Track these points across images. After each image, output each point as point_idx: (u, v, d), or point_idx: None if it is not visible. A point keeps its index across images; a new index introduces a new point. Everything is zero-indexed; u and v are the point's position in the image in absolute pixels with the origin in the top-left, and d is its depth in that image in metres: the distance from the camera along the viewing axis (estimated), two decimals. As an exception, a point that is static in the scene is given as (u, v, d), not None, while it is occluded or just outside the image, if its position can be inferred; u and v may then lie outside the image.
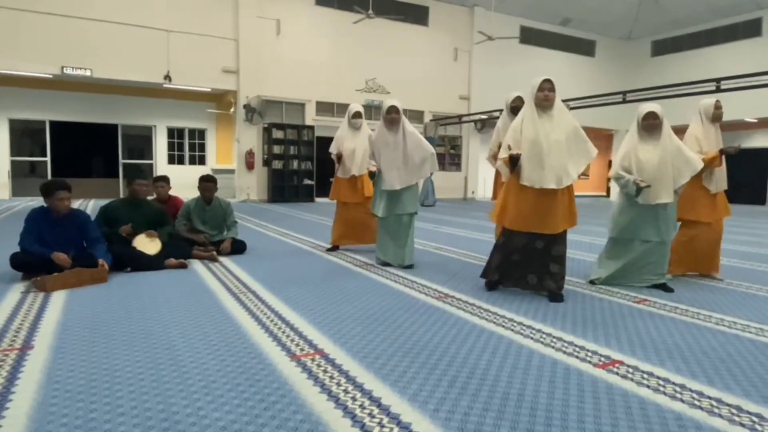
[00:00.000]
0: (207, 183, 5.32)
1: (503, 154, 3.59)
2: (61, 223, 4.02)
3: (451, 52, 16.92)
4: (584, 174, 3.88)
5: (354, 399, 1.97)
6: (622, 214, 3.93)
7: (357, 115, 5.40)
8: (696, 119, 4.32)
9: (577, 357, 2.47)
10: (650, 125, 3.78)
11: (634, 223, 3.89)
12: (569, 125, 3.53)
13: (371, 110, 14.86)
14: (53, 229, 4.00)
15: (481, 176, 17.63)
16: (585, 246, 6.34)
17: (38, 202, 4.44)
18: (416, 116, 16.18)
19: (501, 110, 5.02)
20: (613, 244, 4.07)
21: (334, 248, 5.64)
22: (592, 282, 4.10)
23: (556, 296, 3.56)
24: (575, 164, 3.49)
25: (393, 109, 4.57)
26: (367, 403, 1.94)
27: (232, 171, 14.90)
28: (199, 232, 5.28)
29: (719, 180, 4.30)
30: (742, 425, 1.82)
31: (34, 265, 3.87)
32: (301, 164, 14.65)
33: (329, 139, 5.81)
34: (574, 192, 3.65)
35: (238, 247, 5.29)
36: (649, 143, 3.80)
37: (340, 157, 5.38)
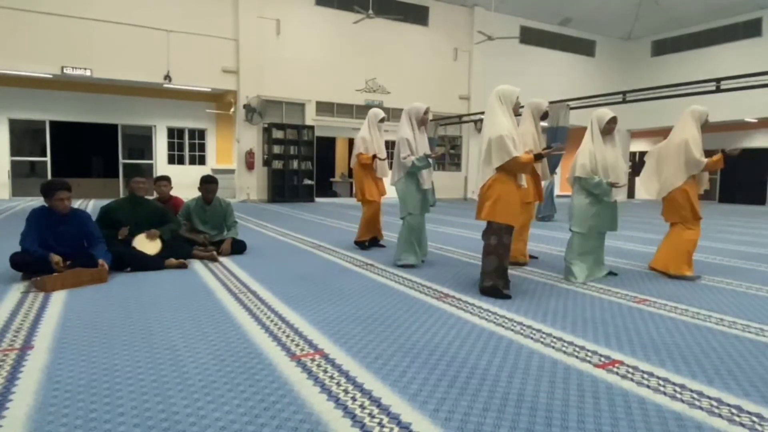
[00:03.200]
0: (209, 185, 5.32)
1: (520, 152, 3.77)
2: (62, 222, 4.02)
3: (451, 52, 16.91)
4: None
5: (354, 399, 1.97)
6: (588, 212, 4.19)
7: (384, 119, 5.85)
8: (692, 124, 4.43)
9: (577, 357, 2.47)
10: (612, 129, 4.14)
11: (599, 217, 4.21)
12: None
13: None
14: (55, 228, 4.00)
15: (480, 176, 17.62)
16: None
17: (38, 202, 4.44)
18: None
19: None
20: (582, 240, 4.23)
21: (364, 244, 5.83)
22: (569, 280, 4.21)
23: None
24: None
25: (428, 110, 4.85)
26: (367, 403, 1.94)
27: (232, 171, 14.90)
28: (200, 233, 5.28)
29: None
30: (742, 425, 1.82)
31: (33, 265, 3.87)
32: (301, 164, 14.64)
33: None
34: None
35: (238, 247, 5.29)
36: (607, 145, 4.15)
37: (374, 158, 5.65)
